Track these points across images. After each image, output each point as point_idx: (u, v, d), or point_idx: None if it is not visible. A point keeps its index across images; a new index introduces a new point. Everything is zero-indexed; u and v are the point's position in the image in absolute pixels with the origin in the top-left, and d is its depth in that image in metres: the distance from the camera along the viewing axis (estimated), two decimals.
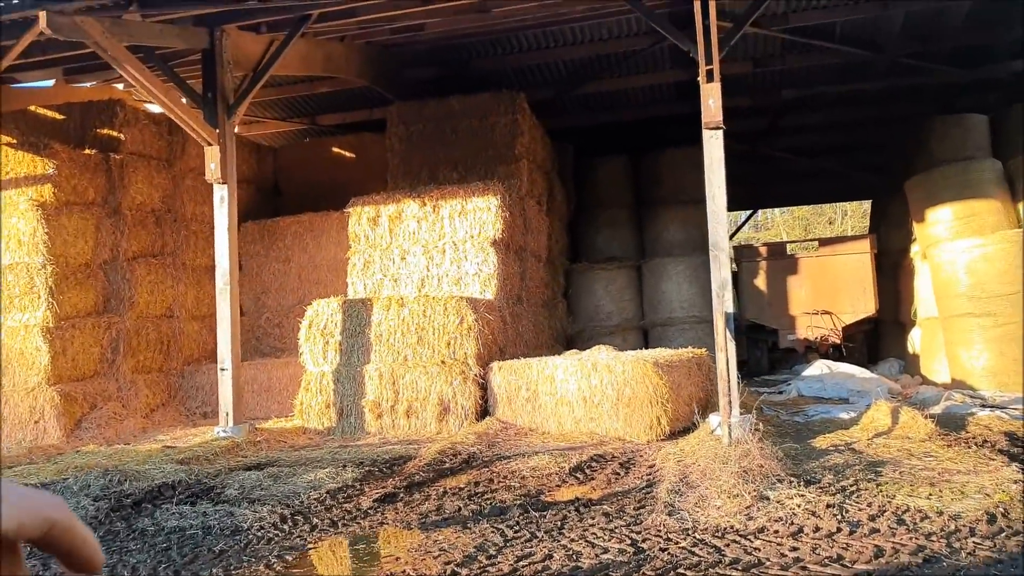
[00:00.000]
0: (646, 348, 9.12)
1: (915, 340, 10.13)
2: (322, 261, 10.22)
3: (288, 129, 13.51)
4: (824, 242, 12.16)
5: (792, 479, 4.34)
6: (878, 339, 12.01)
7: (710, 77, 6.05)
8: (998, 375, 7.96)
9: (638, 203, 12.83)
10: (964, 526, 3.36)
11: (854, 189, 17.16)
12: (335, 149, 12.37)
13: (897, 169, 11.81)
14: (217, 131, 6.69)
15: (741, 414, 5.64)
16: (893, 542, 3.25)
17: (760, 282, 11.48)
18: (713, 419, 5.75)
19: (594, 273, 11.49)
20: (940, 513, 3.58)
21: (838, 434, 5.99)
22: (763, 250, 11.97)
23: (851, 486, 4.23)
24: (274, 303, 10.38)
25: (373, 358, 7.24)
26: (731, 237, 20.10)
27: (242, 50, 7.17)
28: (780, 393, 8.70)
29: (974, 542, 3.16)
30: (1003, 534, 3.22)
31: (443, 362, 7.00)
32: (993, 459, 4.71)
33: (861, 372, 8.74)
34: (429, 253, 8.48)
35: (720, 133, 6.12)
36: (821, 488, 4.18)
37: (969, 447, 5.16)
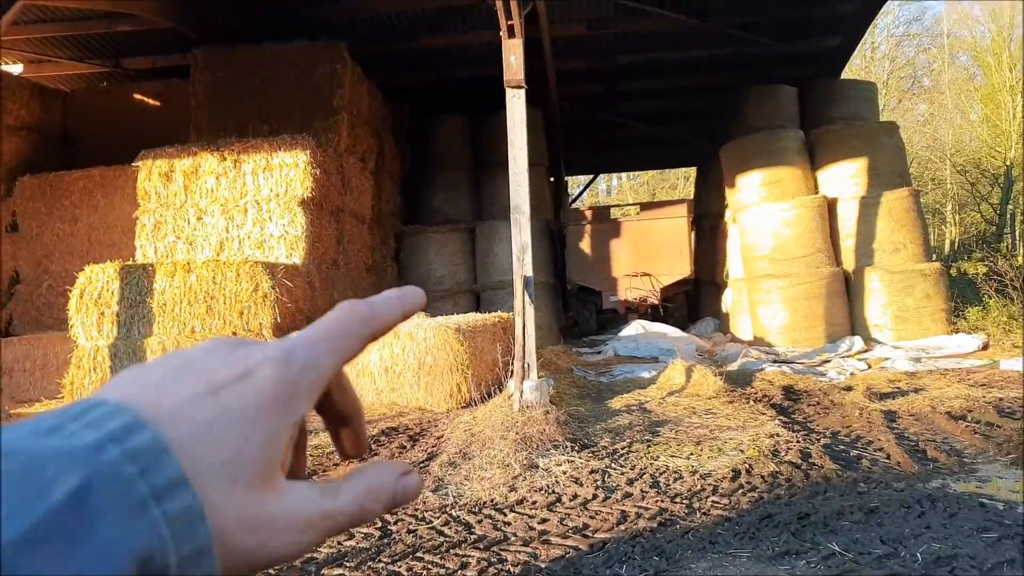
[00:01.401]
0: (478, 312, 8.93)
1: (727, 300, 10.70)
2: (115, 221, 9.09)
3: (87, 71, 11.88)
4: (645, 207, 12.54)
5: (569, 444, 4.26)
6: (698, 299, 12.64)
7: (511, 33, 5.79)
8: (792, 332, 8.53)
9: (477, 165, 12.54)
10: (710, 485, 3.39)
11: (690, 155, 17.83)
12: (137, 96, 11.03)
13: (719, 135, 12.33)
14: None
15: (540, 378, 5.55)
16: (639, 506, 3.20)
17: (585, 245, 11.64)
18: (512, 385, 5.62)
19: (426, 236, 11.13)
20: (694, 472, 3.61)
21: (635, 394, 6.09)
22: (588, 214, 12.14)
23: (623, 449, 4.22)
24: (58, 268, 9.13)
25: (156, 330, 6.49)
26: (573, 202, 20.44)
27: None
28: (599, 353, 8.85)
29: (713, 501, 3.17)
30: (741, 491, 3.27)
31: (235, 333, 6.39)
32: (764, 413, 4.91)
33: (673, 331, 9.07)
34: (229, 213, 7.72)
35: (522, 92, 5.90)
36: (593, 453, 4.13)
37: (748, 402, 5.38)
